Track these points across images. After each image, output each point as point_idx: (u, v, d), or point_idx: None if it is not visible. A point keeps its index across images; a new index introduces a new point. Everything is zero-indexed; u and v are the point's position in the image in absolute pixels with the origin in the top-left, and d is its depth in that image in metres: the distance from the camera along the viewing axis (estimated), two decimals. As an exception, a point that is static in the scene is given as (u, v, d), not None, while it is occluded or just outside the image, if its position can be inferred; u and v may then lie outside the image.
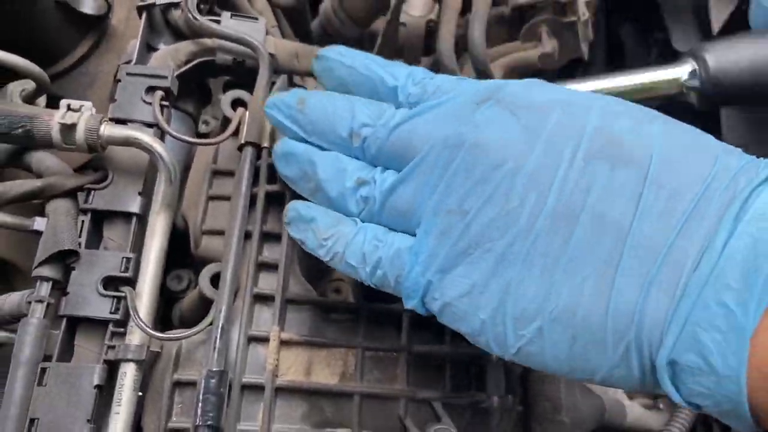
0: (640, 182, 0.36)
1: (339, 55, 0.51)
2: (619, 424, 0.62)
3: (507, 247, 0.39)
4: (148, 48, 0.62)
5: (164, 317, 0.65)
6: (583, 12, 0.70)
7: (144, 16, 0.61)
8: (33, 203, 0.58)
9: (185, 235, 0.61)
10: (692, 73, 0.67)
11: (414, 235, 0.44)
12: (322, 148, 0.49)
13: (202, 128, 0.67)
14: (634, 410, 0.64)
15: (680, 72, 0.67)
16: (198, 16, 0.59)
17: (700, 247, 0.34)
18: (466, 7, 0.76)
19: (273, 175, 0.55)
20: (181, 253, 0.62)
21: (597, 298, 0.36)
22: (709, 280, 0.33)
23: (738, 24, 0.87)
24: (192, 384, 0.50)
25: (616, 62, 1.06)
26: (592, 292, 0.36)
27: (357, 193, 0.46)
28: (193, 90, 0.65)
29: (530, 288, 0.38)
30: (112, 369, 0.49)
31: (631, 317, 0.35)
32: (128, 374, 0.48)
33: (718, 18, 0.89)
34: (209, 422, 0.46)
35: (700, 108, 0.69)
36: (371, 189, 0.45)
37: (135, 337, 0.50)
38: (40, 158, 0.55)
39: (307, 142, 0.49)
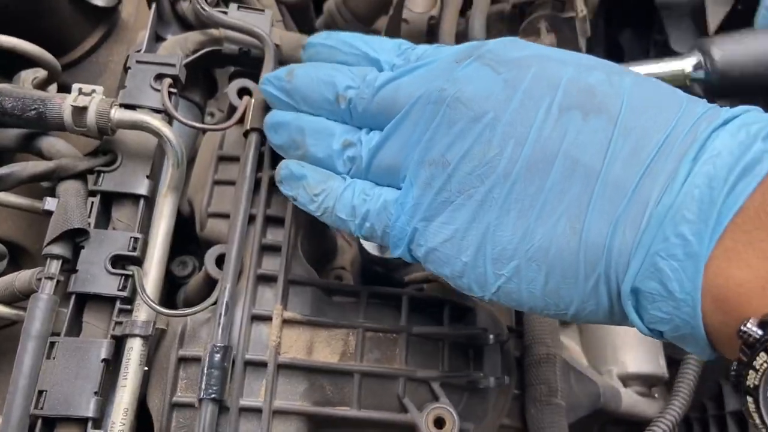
0: (610, 128, 0.39)
1: (323, 38, 0.54)
2: (613, 410, 0.63)
3: (486, 193, 0.41)
4: (157, 38, 0.63)
5: (168, 302, 0.66)
6: (581, 8, 0.71)
7: (153, 6, 0.62)
8: (42, 189, 0.60)
9: (190, 221, 0.62)
10: (697, 65, 0.69)
11: (399, 188, 0.46)
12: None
13: (208, 120, 0.69)
14: (629, 397, 0.65)
15: (686, 64, 0.69)
16: (206, 7, 0.61)
17: (663, 185, 0.36)
18: (467, 4, 0.78)
19: (277, 161, 0.56)
20: (185, 239, 0.64)
21: (569, 236, 0.38)
22: (668, 214, 0.35)
23: (733, 25, 0.89)
24: (196, 360, 0.51)
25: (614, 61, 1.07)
26: (564, 230, 0.39)
27: (344, 154, 0.48)
28: (199, 80, 0.67)
29: (507, 230, 0.41)
30: (118, 344, 0.50)
31: (601, 251, 0.38)
32: (135, 349, 0.50)
33: (714, 19, 0.91)
34: (213, 395, 0.48)
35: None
36: (358, 149, 0.47)
37: (142, 313, 0.51)
38: (51, 142, 0.57)
39: (297, 112, 0.51)
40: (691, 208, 0.34)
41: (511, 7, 0.76)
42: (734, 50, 0.70)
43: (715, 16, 0.91)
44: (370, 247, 0.72)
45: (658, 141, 0.37)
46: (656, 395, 0.69)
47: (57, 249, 0.51)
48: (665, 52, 1.00)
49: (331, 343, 0.54)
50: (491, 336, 0.56)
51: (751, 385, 0.32)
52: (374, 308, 0.56)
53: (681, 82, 0.69)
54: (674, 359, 0.70)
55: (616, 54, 1.09)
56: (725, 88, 0.70)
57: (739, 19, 0.87)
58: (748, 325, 0.31)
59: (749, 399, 0.32)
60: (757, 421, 0.32)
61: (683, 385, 0.65)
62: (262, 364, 0.51)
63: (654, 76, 0.70)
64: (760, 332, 0.31)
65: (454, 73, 0.44)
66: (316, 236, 0.63)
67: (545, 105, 0.40)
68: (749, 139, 0.35)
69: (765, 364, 0.31)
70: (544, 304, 0.41)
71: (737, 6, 0.86)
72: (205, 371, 0.49)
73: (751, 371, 0.31)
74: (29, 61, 0.59)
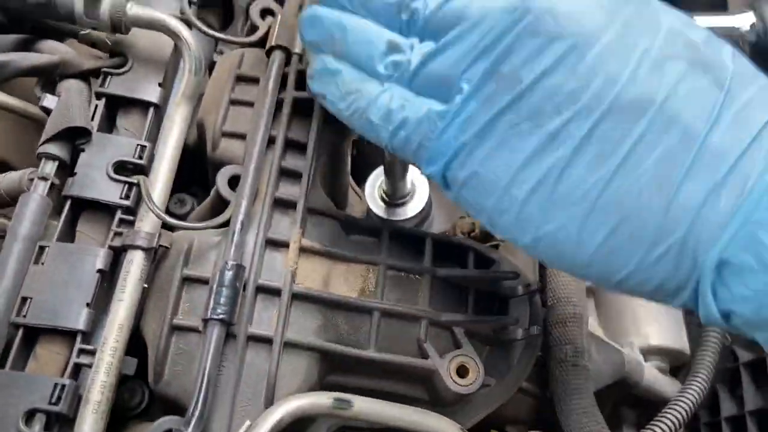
0: (717, 92, 0.36)
1: None
2: (635, 382, 0.59)
3: (561, 126, 0.37)
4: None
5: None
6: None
7: None
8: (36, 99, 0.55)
9: (196, 151, 0.57)
10: (752, 25, 0.66)
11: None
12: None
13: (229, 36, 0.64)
14: (650, 372, 0.62)
15: (742, 21, 0.66)
16: None
17: (766, 152, 0.34)
18: None
19: (302, 82, 0.52)
20: (185, 179, 0.58)
21: (653, 194, 0.36)
22: None
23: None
24: (202, 282, 0.46)
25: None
26: (649, 186, 0.36)
27: (388, 57, 0.42)
28: (217, 3, 0.62)
29: (580, 172, 0.37)
30: (116, 257, 0.45)
31: (690, 216, 0.35)
32: (135, 262, 0.44)
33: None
34: (222, 316, 0.43)
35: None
36: (406, 55, 0.42)
37: (146, 224, 0.46)
38: (53, 45, 0.51)
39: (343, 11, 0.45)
40: None
41: None
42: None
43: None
44: (377, 209, 0.68)
45: (764, 117, 0.36)
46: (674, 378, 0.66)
47: (54, 149, 0.46)
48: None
49: (349, 279, 0.49)
50: (520, 286, 0.52)
51: None
52: (396, 247, 0.52)
53: (734, 40, 0.66)
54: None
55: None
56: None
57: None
58: None
59: None
60: None
61: (702, 368, 0.61)
62: (276, 292, 0.46)
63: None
64: None
65: None
66: (331, 176, 0.58)
67: (644, 45, 0.37)
68: None
69: None
70: (589, 263, 0.38)
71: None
72: (215, 289, 0.43)
73: None
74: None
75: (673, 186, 0.35)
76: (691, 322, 0.66)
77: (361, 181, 0.74)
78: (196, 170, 0.57)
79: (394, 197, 0.64)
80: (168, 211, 0.63)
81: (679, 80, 0.36)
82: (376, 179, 0.70)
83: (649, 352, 0.63)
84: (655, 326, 0.63)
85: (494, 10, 0.39)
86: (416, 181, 0.68)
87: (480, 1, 0.40)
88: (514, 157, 0.38)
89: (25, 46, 0.51)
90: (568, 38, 0.37)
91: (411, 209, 0.66)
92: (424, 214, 0.71)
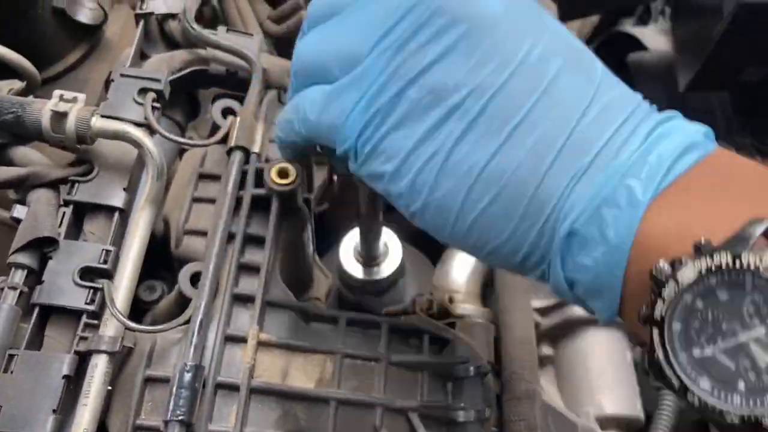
0: (589, 86, 0.40)
1: None
2: (591, 453, 0.62)
3: (460, 101, 0.40)
4: (142, 56, 0.63)
5: (135, 326, 0.63)
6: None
7: (141, 24, 0.62)
8: (10, 202, 0.58)
9: (161, 243, 0.60)
10: None
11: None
12: None
13: (190, 140, 0.67)
14: (607, 440, 0.64)
15: None
16: (195, 26, 0.60)
17: (621, 145, 0.38)
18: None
19: (259, 180, 0.55)
20: (155, 265, 0.61)
21: (532, 173, 0.39)
22: (621, 169, 0.37)
23: (703, 83, 0.93)
24: (164, 381, 0.48)
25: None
26: (527, 165, 0.39)
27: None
28: (183, 100, 0.66)
29: (468, 146, 0.40)
30: (82, 361, 0.47)
31: (558, 194, 0.39)
32: (99, 366, 0.47)
33: (684, 77, 0.94)
34: (181, 417, 0.45)
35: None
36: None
37: (109, 329, 0.48)
38: (24, 152, 0.55)
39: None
40: (643, 168, 0.37)
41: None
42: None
43: (685, 75, 0.94)
44: (354, 270, 0.71)
45: (623, 114, 0.39)
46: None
47: (23, 258, 0.49)
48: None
49: (308, 369, 0.52)
50: (472, 367, 0.55)
51: (658, 317, 0.33)
52: (353, 335, 0.54)
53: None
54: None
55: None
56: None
57: (709, 78, 0.91)
58: (660, 264, 0.34)
59: (655, 330, 0.34)
60: (660, 354, 0.33)
61: None
62: (234, 388, 0.49)
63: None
64: (670, 269, 0.33)
65: None
66: (293, 263, 0.61)
67: (532, 38, 0.40)
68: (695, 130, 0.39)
69: (672, 292, 0.33)
70: (468, 231, 0.41)
71: (707, 65, 0.89)
72: (174, 391, 0.46)
73: (659, 302, 0.33)
74: (7, 71, 0.57)
75: (545, 165, 0.39)
76: (644, 384, 0.68)
77: (325, 253, 0.77)
78: (166, 255, 0.60)
79: (368, 257, 0.67)
80: (138, 299, 0.66)
81: (560, 72, 0.40)
82: (350, 241, 0.73)
83: (605, 420, 0.65)
84: (610, 395, 0.66)
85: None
86: (389, 242, 0.72)
87: None
88: (415, 129, 0.41)
89: (-1, 153, 0.54)
90: (470, 20, 0.40)
91: (386, 268, 0.69)
92: (399, 272, 0.74)
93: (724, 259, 0.32)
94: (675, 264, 0.33)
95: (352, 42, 0.43)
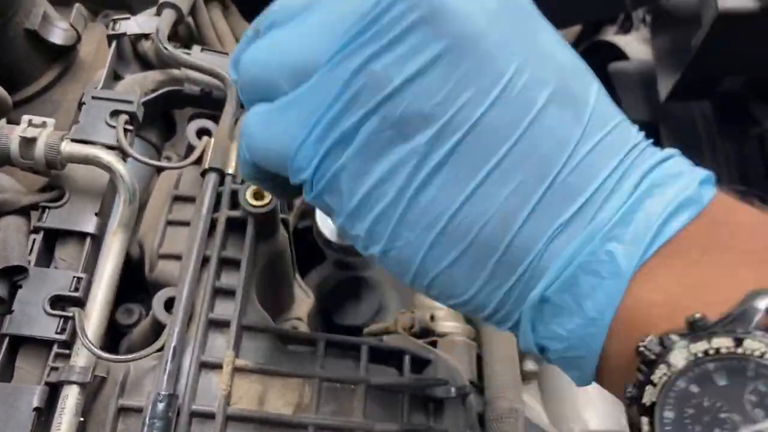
0: (576, 126, 0.34)
1: None
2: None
3: (427, 140, 0.34)
4: (115, 76, 0.62)
5: (112, 352, 0.62)
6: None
7: (114, 44, 0.61)
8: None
9: (138, 266, 0.59)
10: None
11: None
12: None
13: (164, 163, 0.67)
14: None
15: None
16: (168, 46, 0.60)
17: (607, 196, 0.34)
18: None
19: (235, 202, 0.55)
20: (132, 287, 0.60)
21: (502, 228, 0.34)
22: (603, 231, 0.33)
23: (683, 93, 0.93)
24: (138, 411, 0.47)
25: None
26: (498, 219, 0.34)
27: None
28: (157, 121, 0.65)
29: (433, 193, 0.34)
30: (53, 392, 0.46)
31: (530, 254, 0.34)
32: (70, 397, 0.46)
33: (664, 87, 0.94)
34: (154, 448, 0.44)
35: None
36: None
37: (80, 359, 0.47)
38: (-5, 178, 0.54)
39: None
40: (628, 228, 0.33)
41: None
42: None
43: (665, 85, 0.94)
44: (328, 232, 0.70)
45: (611, 162, 0.34)
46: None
47: (-8, 287, 0.48)
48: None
49: (285, 394, 0.51)
50: (453, 389, 0.54)
51: (648, 403, 0.30)
52: (332, 358, 0.54)
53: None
54: None
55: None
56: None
57: (689, 87, 0.91)
58: (647, 341, 0.30)
59: (644, 420, 0.30)
60: None
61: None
62: (210, 416, 0.48)
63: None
64: (659, 348, 0.30)
65: None
66: (272, 284, 0.60)
67: (517, 61, 0.34)
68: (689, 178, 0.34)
69: (664, 377, 0.30)
70: (431, 284, 0.37)
71: (687, 75, 0.89)
72: (147, 422, 0.45)
73: (648, 387, 0.30)
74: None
75: (519, 220, 0.34)
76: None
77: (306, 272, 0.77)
78: (143, 280, 0.59)
79: None
80: (116, 322, 0.65)
81: (548, 104, 0.34)
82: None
83: (590, 438, 0.65)
84: (594, 412, 0.65)
85: None
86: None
87: None
88: (373, 168, 0.35)
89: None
90: (449, 38, 0.34)
91: None
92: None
93: (723, 342, 0.28)
94: (665, 342, 0.30)
95: (304, 50, 0.36)
